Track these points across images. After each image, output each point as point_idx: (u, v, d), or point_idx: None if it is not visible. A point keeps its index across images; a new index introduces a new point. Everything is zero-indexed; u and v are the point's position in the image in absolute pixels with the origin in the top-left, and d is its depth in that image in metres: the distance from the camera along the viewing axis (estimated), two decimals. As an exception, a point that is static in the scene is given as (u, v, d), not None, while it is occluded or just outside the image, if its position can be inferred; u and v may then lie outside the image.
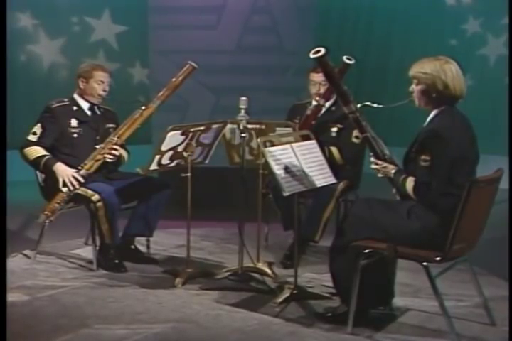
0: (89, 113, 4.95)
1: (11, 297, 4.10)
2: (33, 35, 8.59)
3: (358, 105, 3.86)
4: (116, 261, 4.77)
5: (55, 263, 4.92)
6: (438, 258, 3.47)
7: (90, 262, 4.81)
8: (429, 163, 3.55)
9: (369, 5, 9.35)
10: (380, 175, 3.82)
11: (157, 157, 4.46)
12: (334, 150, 4.96)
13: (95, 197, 4.68)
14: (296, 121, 5.05)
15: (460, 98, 3.65)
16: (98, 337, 3.63)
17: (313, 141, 4.30)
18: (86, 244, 5.26)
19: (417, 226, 3.55)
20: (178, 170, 4.56)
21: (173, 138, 4.43)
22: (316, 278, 4.59)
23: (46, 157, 4.73)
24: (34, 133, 4.83)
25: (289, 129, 4.76)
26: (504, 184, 3.85)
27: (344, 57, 4.80)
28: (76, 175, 4.71)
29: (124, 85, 8.51)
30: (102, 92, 4.92)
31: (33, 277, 4.59)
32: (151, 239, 5.10)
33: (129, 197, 4.85)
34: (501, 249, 5.19)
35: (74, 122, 4.89)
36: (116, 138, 4.81)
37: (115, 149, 4.81)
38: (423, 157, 3.56)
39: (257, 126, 4.84)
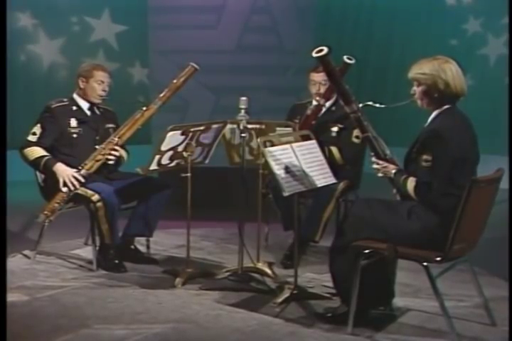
0: (88, 113, 4.95)
1: (11, 297, 4.10)
2: (33, 35, 8.59)
3: (360, 105, 3.86)
4: (116, 261, 4.76)
5: (54, 263, 4.91)
6: (438, 259, 3.46)
7: (90, 262, 4.81)
8: (430, 163, 3.54)
9: (369, 4, 9.35)
10: (380, 175, 3.82)
11: (157, 157, 4.46)
12: (334, 150, 4.96)
13: (95, 197, 4.68)
14: (296, 121, 5.05)
15: (461, 96, 3.65)
16: (98, 338, 3.62)
17: (314, 141, 4.30)
18: (86, 244, 5.25)
19: (418, 226, 3.55)
20: (178, 170, 4.56)
21: (173, 138, 4.42)
22: (316, 278, 4.59)
23: (46, 157, 4.73)
24: (34, 134, 4.82)
25: (289, 129, 4.76)
26: (504, 184, 3.84)
27: (345, 57, 4.80)
28: (76, 175, 4.71)
29: (124, 85, 8.51)
30: (102, 92, 4.91)
31: (32, 277, 4.59)
32: (150, 239, 5.10)
33: (128, 197, 4.85)
34: (501, 249, 5.19)
35: (73, 122, 4.89)
36: (116, 139, 4.81)
37: (115, 150, 4.80)
38: (424, 157, 3.56)
39: (257, 126, 4.83)
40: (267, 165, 4.09)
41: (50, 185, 4.77)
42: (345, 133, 4.98)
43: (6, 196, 4.56)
